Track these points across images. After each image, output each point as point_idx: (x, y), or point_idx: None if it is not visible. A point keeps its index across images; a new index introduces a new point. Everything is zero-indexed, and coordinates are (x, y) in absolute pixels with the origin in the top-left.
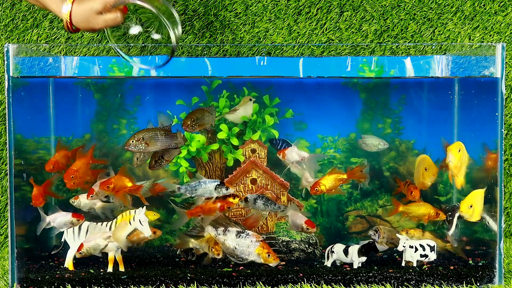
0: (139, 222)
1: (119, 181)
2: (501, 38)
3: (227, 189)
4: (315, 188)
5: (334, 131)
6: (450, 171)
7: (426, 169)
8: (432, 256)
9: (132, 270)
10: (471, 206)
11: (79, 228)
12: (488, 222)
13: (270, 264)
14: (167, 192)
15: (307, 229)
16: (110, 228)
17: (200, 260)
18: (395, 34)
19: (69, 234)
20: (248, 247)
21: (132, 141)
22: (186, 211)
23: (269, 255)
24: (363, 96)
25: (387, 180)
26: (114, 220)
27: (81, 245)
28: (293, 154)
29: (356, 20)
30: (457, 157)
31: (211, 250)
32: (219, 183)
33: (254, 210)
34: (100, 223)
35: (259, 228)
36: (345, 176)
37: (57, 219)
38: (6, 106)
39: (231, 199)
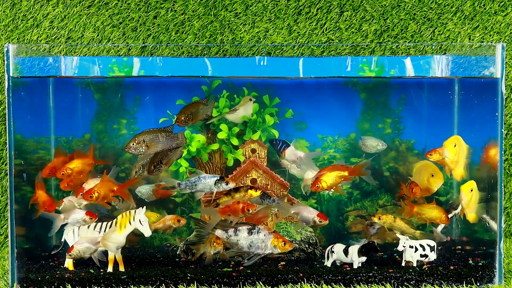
0: (139, 222)
1: (103, 188)
2: (501, 38)
3: (227, 184)
4: (316, 185)
5: (334, 131)
6: (446, 166)
7: (432, 175)
8: (432, 256)
9: (132, 270)
10: (471, 190)
11: (79, 228)
12: (488, 223)
13: (287, 251)
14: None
15: (320, 221)
16: (110, 228)
17: (200, 259)
18: (395, 34)
19: (69, 234)
20: (263, 241)
21: (133, 144)
22: (218, 209)
23: (285, 244)
24: (363, 96)
25: (387, 180)
26: (114, 220)
27: (72, 247)
28: (291, 155)
29: (356, 20)
30: (453, 152)
31: (213, 245)
32: (218, 178)
33: (262, 205)
34: (99, 225)
35: None
36: (346, 173)
37: (72, 215)
38: (6, 106)
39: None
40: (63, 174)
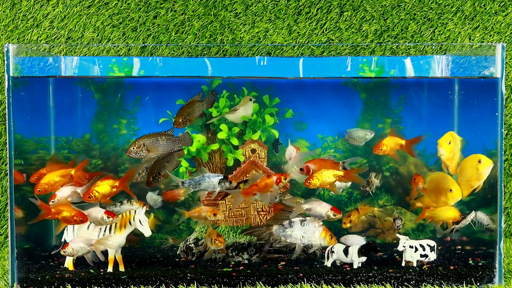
0: (139, 222)
1: (102, 187)
2: (501, 38)
3: (230, 183)
4: (308, 181)
5: (334, 131)
6: (443, 163)
7: (451, 190)
8: (432, 256)
9: (132, 270)
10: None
11: (80, 228)
12: (479, 219)
13: (330, 245)
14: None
15: (334, 215)
16: (110, 229)
17: (201, 255)
18: (395, 34)
19: (69, 234)
20: (314, 232)
21: (133, 148)
22: (241, 191)
23: (331, 237)
24: (363, 96)
25: (386, 180)
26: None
27: (67, 244)
28: (289, 154)
29: (356, 20)
30: (448, 150)
31: (214, 242)
32: (222, 177)
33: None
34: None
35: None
36: (341, 173)
37: (92, 214)
38: (6, 106)
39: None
40: (39, 191)
